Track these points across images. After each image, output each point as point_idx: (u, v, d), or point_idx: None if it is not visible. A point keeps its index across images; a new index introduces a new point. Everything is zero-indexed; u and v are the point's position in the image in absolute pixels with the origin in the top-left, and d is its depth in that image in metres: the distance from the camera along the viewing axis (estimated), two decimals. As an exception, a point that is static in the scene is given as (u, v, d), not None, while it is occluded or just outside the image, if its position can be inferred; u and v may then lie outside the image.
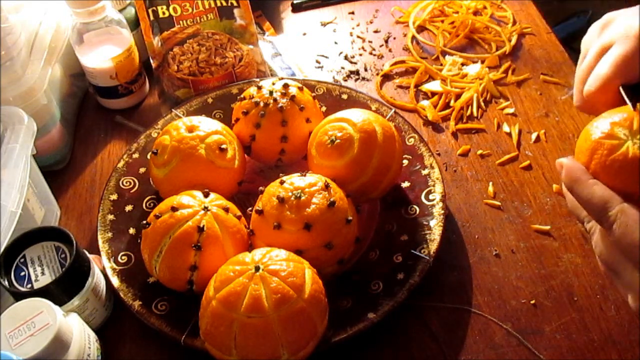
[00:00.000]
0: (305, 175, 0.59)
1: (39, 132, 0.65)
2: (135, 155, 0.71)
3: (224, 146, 0.63)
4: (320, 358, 0.54)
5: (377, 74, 0.86)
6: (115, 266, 0.62)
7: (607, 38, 0.45)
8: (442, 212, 0.63)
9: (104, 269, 0.62)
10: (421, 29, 0.92)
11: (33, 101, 0.68)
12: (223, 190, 0.63)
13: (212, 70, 0.79)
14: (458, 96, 0.81)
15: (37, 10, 0.72)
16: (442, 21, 0.91)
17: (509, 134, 0.76)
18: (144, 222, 0.59)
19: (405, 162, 0.68)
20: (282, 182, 0.59)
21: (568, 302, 0.60)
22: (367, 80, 0.86)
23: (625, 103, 0.43)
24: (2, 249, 0.55)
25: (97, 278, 0.59)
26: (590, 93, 0.45)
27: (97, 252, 0.63)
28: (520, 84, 0.82)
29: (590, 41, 0.48)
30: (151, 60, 0.81)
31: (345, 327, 0.55)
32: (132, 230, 0.65)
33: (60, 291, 0.55)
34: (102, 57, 0.78)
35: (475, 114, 0.79)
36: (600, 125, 0.43)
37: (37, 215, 0.66)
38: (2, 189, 0.57)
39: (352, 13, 0.97)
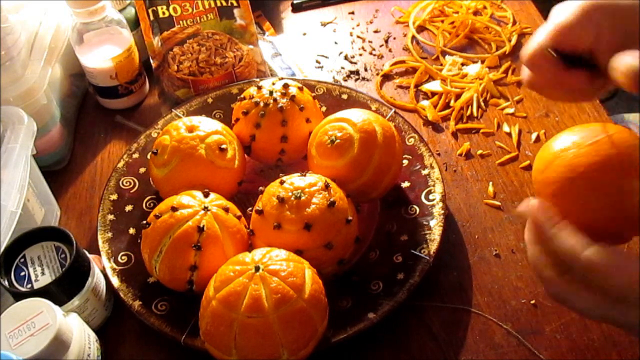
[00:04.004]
0: (305, 175, 0.59)
1: (39, 132, 0.65)
2: (135, 155, 0.71)
3: (224, 146, 0.63)
4: (320, 358, 0.54)
5: (377, 74, 0.86)
6: (115, 266, 0.62)
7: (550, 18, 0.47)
8: (442, 212, 0.63)
9: (104, 269, 0.62)
10: (421, 29, 0.92)
11: (33, 101, 0.68)
12: (223, 190, 0.63)
13: (212, 70, 0.79)
14: (458, 96, 0.81)
15: (37, 10, 0.72)
16: (442, 21, 0.91)
17: (509, 134, 0.76)
18: (144, 222, 0.59)
19: (405, 162, 0.68)
20: (282, 182, 0.59)
21: (568, 302, 0.60)
22: (367, 80, 0.86)
23: (556, 64, 0.44)
24: (2, 249, 0.55)
25: (97, 278, 0.59)
26: (524, 58, 0.46)
27: (97, 252, 0.63)
28: (520, 84, 0.82)
29: None
30: (151, 60, 0.81)
31: (345, 327, 0.55)
32: (132, 230, 0.65)
33: (60, 291, 0.55)
34: (102, 57, 0.78)
35: (475, 114, 0.79)
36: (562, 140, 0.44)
37: (37, 215, 0.66)
38: (2, 189, 0.57)
39: (352, 13, 0.97)
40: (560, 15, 0.45)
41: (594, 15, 0.43)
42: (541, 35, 0.45)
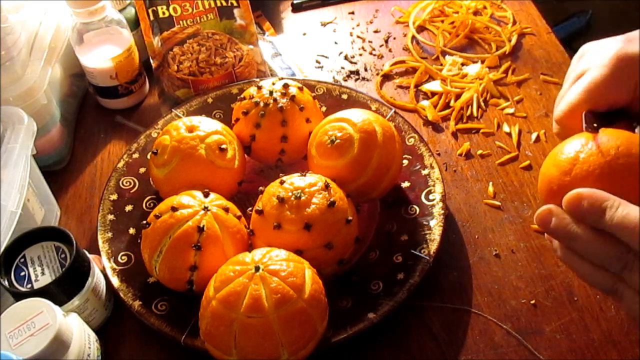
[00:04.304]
0: (305, 175, 0.59)
1: (39, 132, 0.65)
2: (135, 155, 0.71)
3: (224, 146, 0.64)
4: (320, 358, 0.54)
5: (377, 74, 0.86)
6: (115, 266, 0.62)
7: (581, 67, 0.46)
8: (442, 212, 0.63)
9: (104, 269, 0.62)
10: (421, 29, 0.92)
11: (33, 101, 0.68)
12: (223, 190, 0.63)
13: (212, 70, 0.79)
14: (458, 96, 0.81)
15: (37, 10, 0.72)
16: (442, 21, 0.91)
17: (509, 134, 0.76)
18: (144, 222, 0.59)
19: (405, 162, 0.68)
20: (282, 182, 0.59)
21: (568, 302, 0.60)
22: (367, 80, 0.86)
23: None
24: (2, 249, 0.55)
25: (97, 278, 0.59)
26: (558, 118, 0.45)
27: (97, 252, 0.63)
28: (520, 84, 0.82)
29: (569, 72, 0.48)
30: (151, 60, 0.81)
31: (345, 327, 0.55)
32: (132, 230, 0.65)
33: (60, 291, 0.55)
34: (102, 57, 0.78)
35: (475, 114, 0.79)
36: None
37: (37, 215, 0.66)
38: (2, 189, 0.57)
39: (352, 13, 0.97)
40: (593, 70, 0.43)
41: (628, 69, 0.42)
42: (574, 95, 0.43)
